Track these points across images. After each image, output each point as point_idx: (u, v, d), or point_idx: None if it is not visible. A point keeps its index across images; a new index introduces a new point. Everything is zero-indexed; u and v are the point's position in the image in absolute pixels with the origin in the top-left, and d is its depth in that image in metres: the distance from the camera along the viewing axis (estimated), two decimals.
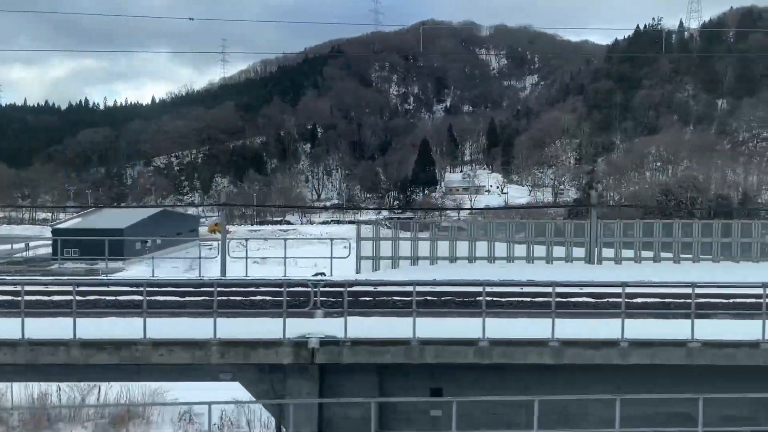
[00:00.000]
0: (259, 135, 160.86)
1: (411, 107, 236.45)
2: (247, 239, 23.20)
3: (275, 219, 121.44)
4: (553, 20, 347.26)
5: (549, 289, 11.05)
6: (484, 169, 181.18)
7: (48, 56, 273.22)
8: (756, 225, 26.64)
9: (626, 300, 10.74)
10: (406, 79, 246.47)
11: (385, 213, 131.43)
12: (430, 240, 25.56)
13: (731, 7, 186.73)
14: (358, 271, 22.18)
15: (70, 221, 62.32)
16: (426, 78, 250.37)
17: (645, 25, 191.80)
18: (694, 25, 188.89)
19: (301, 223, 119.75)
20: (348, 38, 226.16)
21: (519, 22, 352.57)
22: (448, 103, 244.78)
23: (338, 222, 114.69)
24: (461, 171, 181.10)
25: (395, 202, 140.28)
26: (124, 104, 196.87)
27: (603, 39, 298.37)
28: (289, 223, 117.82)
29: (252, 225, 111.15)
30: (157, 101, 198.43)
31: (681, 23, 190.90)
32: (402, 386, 10.99)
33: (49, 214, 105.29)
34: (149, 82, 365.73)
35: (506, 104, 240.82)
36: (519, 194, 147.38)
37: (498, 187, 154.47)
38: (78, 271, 51.32)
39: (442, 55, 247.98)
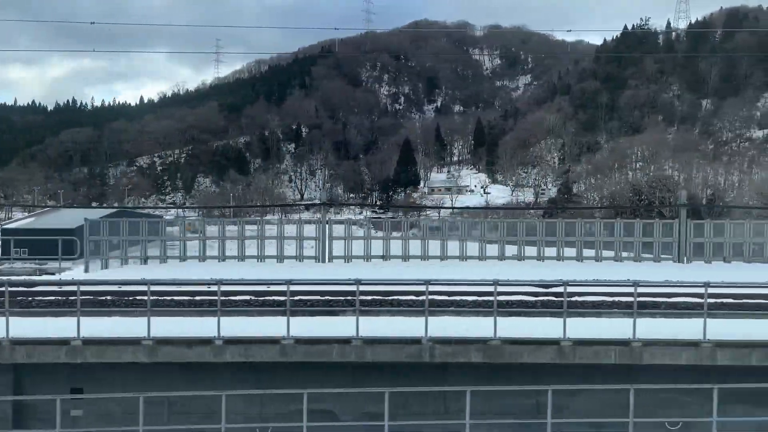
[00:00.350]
0: (242, 135, 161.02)
1: (401, 107, 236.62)
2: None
3: (254, 218, 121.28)
4: (548, 20, 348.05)
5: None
6: (471, 169, 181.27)
7: (47, 56, 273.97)
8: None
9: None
10: (396, 79, 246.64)
11: (367, 212, 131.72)
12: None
13: (721, 8, 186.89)
14: (86, 270, 22.99)
15: (22, 221, 61.94)
16: (417, 78, 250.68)
17: (633, 26, 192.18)
18: (682, 25, 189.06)
19: (281, 223, 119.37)
20: (343, 38, 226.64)
21: (513, 22, 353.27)
22: (439, 103, 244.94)
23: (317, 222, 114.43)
24: (448, 171, 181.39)
25: (378, 202, 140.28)
26: (112, 104, 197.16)
27: (599, 39, 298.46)
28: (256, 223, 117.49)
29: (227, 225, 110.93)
30: (146, 101, 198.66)
31: (668, 23, 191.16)
32: (41, 386, 10.93)
33: (26, 214, 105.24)
34: (149, 82, 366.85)
35: (498, 104, 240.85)
36: (501, 194, 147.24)
37: (481, 187, 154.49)
38: (27, 271, 51.27)
39: (434, 55, 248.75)
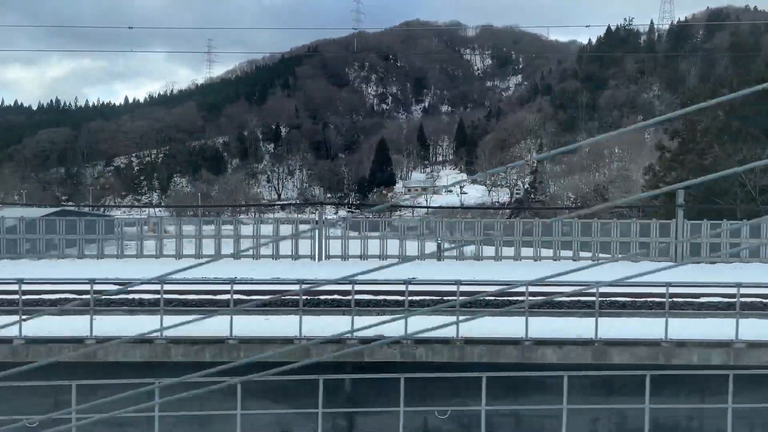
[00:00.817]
0: (221, 135, 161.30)
1: (388, 107, 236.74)
2: None
3: (227, 219, 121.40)
4: (539, 20, 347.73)
5: None
6: (453, 169, 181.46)
7: (45, 56, 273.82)
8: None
9: None
10: (384, 80, 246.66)
11: (342, 212, 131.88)
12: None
13: (708, 8, 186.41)
14: None
15: None
16: (405, 78, 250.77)
17: (617, 25, 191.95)
18: (666, 25, 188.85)
19: (254, 223, 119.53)
20: (336, 38, 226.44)
21: (506, 22, 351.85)
22: (427, 104, 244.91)
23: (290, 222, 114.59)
24: (430, 171, 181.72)
25: (354, 202, 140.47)
26: (96, 104, 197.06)
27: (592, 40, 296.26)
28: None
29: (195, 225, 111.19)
30: (131, 101, 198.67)
31: (652, 23, 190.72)
32: None
33: None
34: (148, 81, 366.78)
35: (488, 105, 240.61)
36: (478, 194, 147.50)
37: (458, 187, 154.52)
38: None
39: (423, 55, 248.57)
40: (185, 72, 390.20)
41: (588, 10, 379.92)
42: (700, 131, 40.94)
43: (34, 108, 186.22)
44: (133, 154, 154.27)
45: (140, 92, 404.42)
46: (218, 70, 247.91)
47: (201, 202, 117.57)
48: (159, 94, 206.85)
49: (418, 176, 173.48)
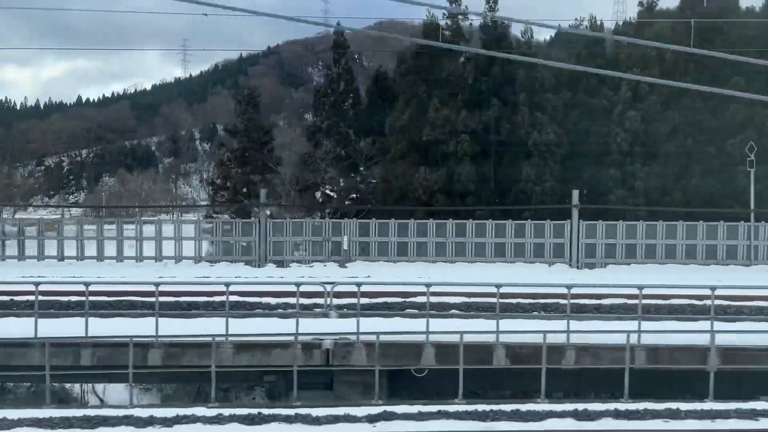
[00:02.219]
0: (155, 134, 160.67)
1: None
2: None
3: (147, 219, 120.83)
4: (522, 18, 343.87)
5: None
6: None
7: (40, 55, 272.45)
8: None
9: None
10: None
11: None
12: None
13: (666, 8, 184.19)
14: None
15: None
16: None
17: (569, 26, 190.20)
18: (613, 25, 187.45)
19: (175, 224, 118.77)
20: (308, 37, 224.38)
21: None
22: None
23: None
24: None
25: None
26: (48, 103, 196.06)
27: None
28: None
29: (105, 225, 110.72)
30: (83, 101, 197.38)
31: (601, 23, 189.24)
32: None
33: None
34: (144, 80, 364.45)
35: None
36: None
37: None
38: None
39: (390, 54, 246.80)
40: (181, 71, 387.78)
41: (580, 9, 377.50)
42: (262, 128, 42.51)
43: None
44: (64, 154, 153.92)
45: (79, 92, 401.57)
46: (200, 69, 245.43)
47: (114, 202, 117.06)
48: (115, 93, 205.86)
49: None
